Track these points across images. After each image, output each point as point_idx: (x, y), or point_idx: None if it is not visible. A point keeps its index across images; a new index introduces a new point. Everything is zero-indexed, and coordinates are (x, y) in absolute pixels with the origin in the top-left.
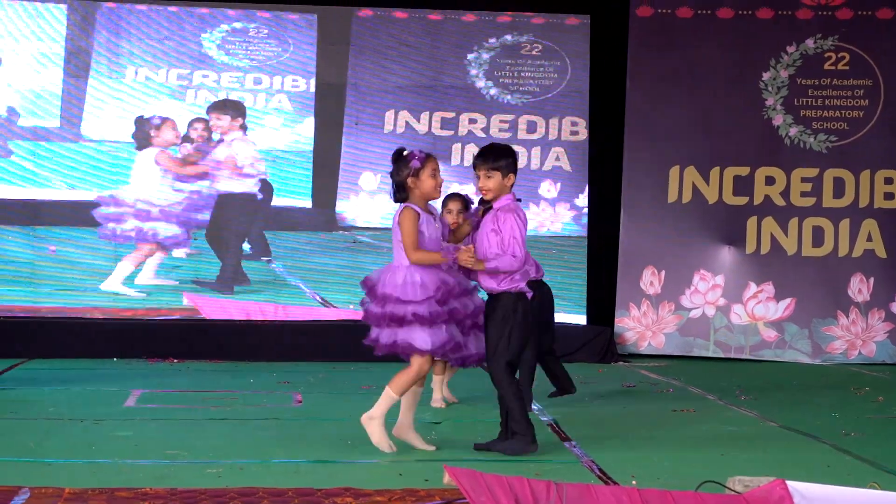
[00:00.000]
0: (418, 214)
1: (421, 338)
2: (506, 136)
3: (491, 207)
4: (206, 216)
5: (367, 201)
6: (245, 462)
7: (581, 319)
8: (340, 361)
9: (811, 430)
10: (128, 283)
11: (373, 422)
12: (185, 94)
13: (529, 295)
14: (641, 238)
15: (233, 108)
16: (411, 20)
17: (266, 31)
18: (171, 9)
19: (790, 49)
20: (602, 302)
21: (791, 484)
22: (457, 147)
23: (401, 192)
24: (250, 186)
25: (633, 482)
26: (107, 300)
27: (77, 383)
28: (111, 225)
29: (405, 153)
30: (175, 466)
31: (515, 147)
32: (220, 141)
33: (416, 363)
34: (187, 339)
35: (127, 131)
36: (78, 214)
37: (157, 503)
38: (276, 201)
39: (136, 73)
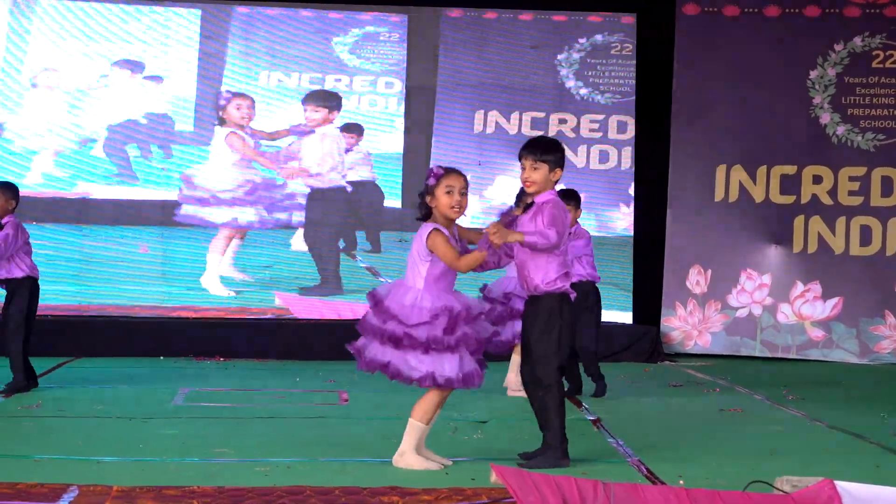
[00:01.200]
0: (445, 235)
1: (416, 365)
2: (596, 135)
3: (532, 204)
4: (299, 214)
5: None
6: (292, 461)
7: (627, 318)
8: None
9: (859, 430)
10: (223, 282)
11: (404, 458)
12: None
13: (573, 296)
14: (688, 237)
15: (330, 101)
16: (501, 20)
17: (398, 34)
18: (304, 13)
19: (838, 47)
20: (648, 301)
21: (840, 484)
22: None
23: (423, 210)
24: (340, 181)
25: (681, 482)
26: (152, 300)
27: (124, 382)
28: (190, 209)
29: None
30: (222, 465)
31: (605, 147)
32: (311, 132)
33: (433, 389)
34: (234, 338)
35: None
36: (124, 213)
37: (205, 501)
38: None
39: (269, 77)
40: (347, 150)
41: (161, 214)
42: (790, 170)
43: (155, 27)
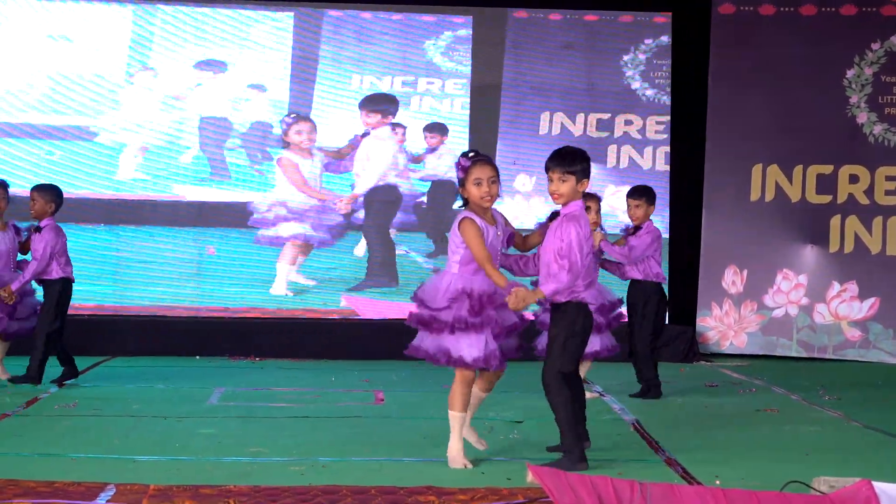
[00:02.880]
0: (477, 224)
1: (441, 344)
2: (662, 136)
3: (557, 213)
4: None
5: (522, 203)
6: (328, 460)
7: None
8: (422, 359)
9: None
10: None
11: (449, 449)
12: (409, 101)
13: (593, 307)
14: (723, 237)
15: (386, 104)
16: (566, 21)
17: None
18: (395, 16)
19: (874, 46)
20: (684, 301)
21: (877, 485)
22: (612, 149)
23: (462, 198)
24: (394, 181)
25: (717, 482)
26: (191, 300)
27: (160, 381)
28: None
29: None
30: (258, 464)
31: (669, 149)
32: (367, 134)
33: (458, 373)
34: (269, 337)
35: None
36: (159, 214)
37: (241, 500)
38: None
39: (362, 80)
40: (430, 150)
41: (197, 215)
42: (826, 169)
43: (247, 30)
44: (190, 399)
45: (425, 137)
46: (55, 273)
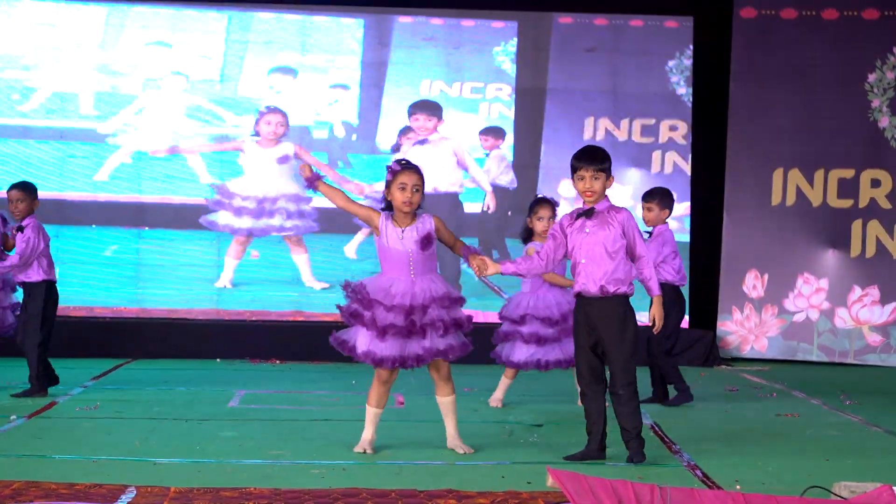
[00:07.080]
0: (373, 217)
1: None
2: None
3: (591, 210)
4: None
5: (565, 209)
6: (348, 463)
7: (683, 322)
8: None
9: None
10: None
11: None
12: (477, 107)
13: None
14: (744, 241)
15: (433, 110)
16: (611, 27)
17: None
18: (466, 23)
19: None
20: (705, 305)
21: None
22: (657, 154)
23: (383, 202)
24: (454, 187)
25: (737, 487)
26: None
27: (181, 384)
28: (220, 219)
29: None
30: (279, 467)
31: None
32: (425, 141)
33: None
34: (289, 340)
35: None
36: (182, 217)
37: (262, 503)
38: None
39: (431, 86)
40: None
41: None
42: (848, 173)
43: (317, 36)
44: (211, 402)
45: (480, 141)
46: (36, 275)
